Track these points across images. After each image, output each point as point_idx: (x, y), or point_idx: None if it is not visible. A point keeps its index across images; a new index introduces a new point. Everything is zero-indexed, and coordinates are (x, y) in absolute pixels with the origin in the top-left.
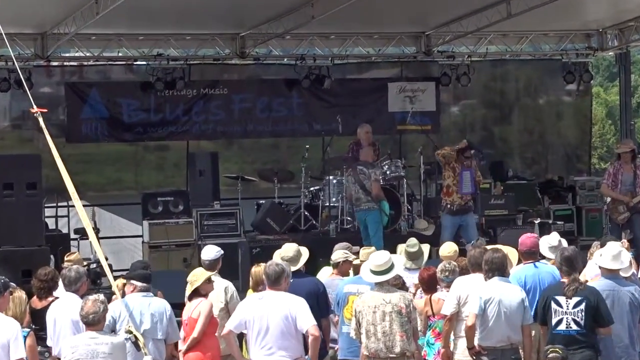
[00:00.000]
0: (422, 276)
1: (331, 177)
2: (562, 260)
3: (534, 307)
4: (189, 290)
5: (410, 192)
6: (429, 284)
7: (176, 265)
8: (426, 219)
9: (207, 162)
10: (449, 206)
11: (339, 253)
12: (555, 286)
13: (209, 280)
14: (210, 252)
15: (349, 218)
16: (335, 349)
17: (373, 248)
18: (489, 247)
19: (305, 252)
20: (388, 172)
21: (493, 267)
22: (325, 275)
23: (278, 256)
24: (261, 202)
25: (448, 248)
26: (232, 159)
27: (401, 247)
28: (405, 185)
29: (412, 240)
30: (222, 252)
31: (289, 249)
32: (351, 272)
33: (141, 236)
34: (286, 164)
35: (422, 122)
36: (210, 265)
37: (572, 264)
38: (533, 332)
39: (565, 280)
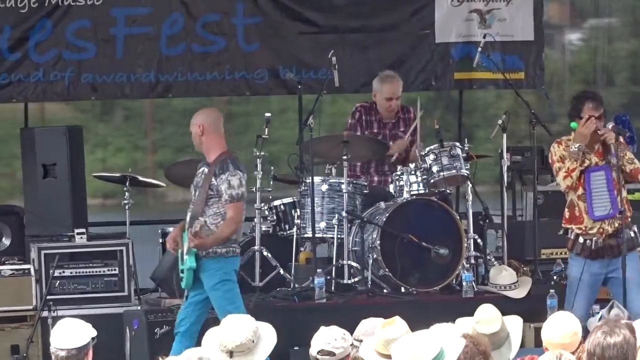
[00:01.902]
0: None
1: (318, 179)
2: None
3: None
4: None
5: (483, 208)
6: None
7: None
8: (514, 264)
9: (62, 147)
10: (581, 241)
11: (321, 340)
12: None
13: None
14: (70, 334)
15: (355, 264)
16: None
17: (396, 322)
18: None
19: (267, 337)
20: (435, 170)
21: None
22: None
23: (213, 344)
24: (171, 229)
25: (561, 327)
26: (113, 140)
27: (464, 323)
28: (471, 196)
29: (488, 311)
30: (95, 334)
31: (235, 330)
32: None
33: None
34: None
35: (507, 65)
36: None
37: None
38: None
39: None
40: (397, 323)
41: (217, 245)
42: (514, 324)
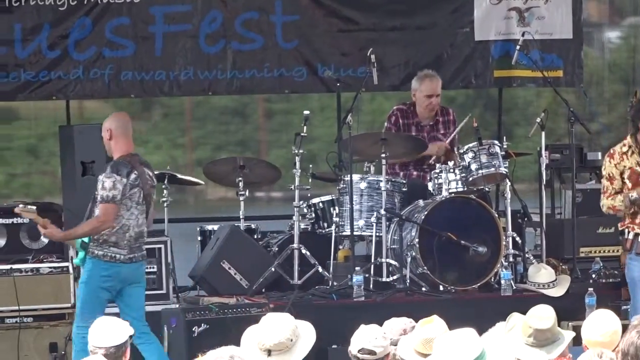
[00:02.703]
0: None
1: (357, 177)
2: None
3: None
4: None
5: (522, 206)
6: None
7: (36, 357)
8: (553, 263)
9: (100, 145)
10: None
11: (362, 338)
12: None
13: None
14: (108, 333)
15: (394, 262)
16: None
17: (435, 321)
18: None
19: (306, 334)
20: (473, 168)
21: None
22: None
23: (251, 342)
24: (210, 227)
25: (601, 325)
26: (151, 138)
27: (515, 321)
28: (509, 194)
29: (545, 310)
30: (132, 332)
31: (274, 328)
32: None
33: None
34: (262, 149)
35: (546, 64)
36: None
37: None
38: None
39: None
40: (436, 322)
41: (95, 247)
42: (566, 334)
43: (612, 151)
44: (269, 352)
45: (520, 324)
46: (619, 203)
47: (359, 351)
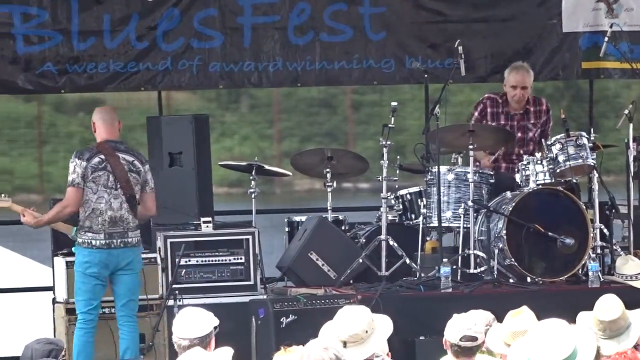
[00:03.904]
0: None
1: (445, 168)
2: None
3: None
4: None
5: (609, 197)
6: None
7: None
8: None
9: (188, 136)
10: None
11: (461, 326)
12: None
13: None
14: (193, 324)
15: (481, 254)
16: None
17: (524, 312)
18: None
19: (382, 328)
20: (561, 160)
21: None
22: None
23: (331, 334)
24: (298, 218)
25: None
26: (239, 129)
27: (584, 318)
28: (597, 185)
29: (610, 300)
30: (217, 323)
31: (351, 320)
32: None
33: (50, 288)
34: (350, 140)
35: (635, 55)
36: None
37: None
38: None
39: None
40: (525, 313)
41: (77, 234)
42: (637, 317)
43: None
44: (345, 344)
45: (591, 319)
46: None
47: (460, 339)
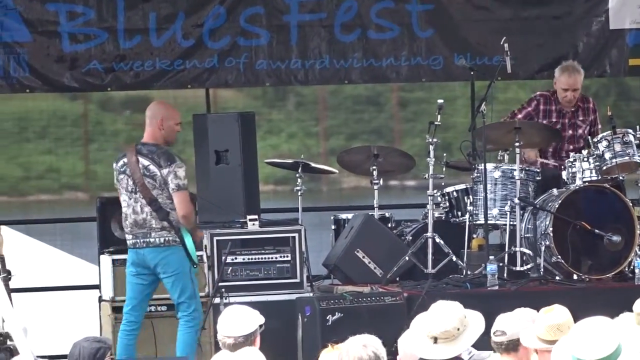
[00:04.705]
0: None
1: (491, 166)
2: None
3: None
4: None
5: None
6: None
7: (171, 347)
8: None
9: (234, 134)
10: None
11: (497, 322)
12: None
13: None
14: (238, 321)
15: (527, 251)
16: None
17: (556, 309)
18: None
19: (474, 325)
20: (607, 157)
21: None
22: None
23: (418, 329)
24: (344, 216)
25: None
26: (285, 127)
27: (626, 317)
28: None
29: None
30: (262, 320)
31: (443, 316)
32: None
33: (97, 287)
34: (396, 137)
35: None
36: (238, 349)
37: None
38: None
39: None
40: (557, 309)
41: None
42: None
43: None
44: (435, 340)
45: (632, 318)
46: None
47: (494, 333)
